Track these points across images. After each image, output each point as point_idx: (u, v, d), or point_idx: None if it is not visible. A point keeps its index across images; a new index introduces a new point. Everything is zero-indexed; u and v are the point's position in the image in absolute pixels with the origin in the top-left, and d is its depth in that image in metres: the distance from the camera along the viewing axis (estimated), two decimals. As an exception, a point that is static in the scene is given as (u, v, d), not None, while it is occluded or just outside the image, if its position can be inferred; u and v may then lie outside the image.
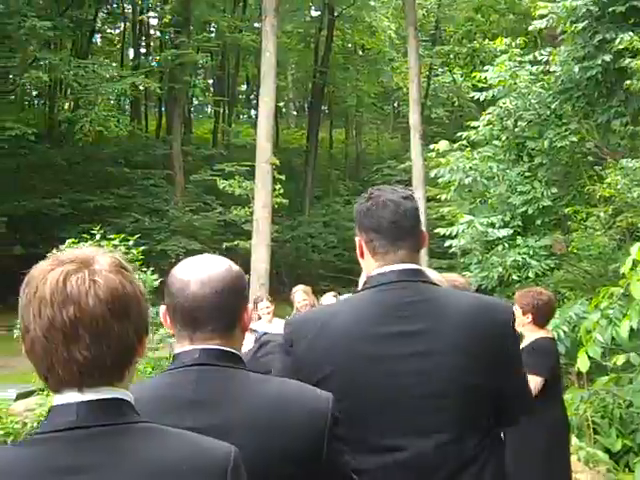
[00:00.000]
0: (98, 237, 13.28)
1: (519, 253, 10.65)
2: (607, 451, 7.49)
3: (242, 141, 33.47)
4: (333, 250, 32.81)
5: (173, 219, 26.40)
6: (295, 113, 51.96)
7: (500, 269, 10.52)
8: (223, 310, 1.96)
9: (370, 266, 2.49)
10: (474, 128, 12.10)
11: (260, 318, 9.46)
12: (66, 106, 34.24)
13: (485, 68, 11.92)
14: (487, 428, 2.37)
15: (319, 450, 1.88)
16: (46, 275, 1.45)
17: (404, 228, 2.46)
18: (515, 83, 11.14)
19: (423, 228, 2.59)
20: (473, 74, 11.99)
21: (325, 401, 1.95)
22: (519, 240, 11.06)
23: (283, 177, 20.61)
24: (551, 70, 11.24)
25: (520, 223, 11.25)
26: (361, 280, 2.72)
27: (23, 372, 14.67)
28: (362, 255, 2.53)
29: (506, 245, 10.99)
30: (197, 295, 1.93)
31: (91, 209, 26.65)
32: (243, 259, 24.34)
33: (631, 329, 6.60)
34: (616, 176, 9.59)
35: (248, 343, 6.19)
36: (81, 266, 1.46)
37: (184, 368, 1.92)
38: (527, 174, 11.40)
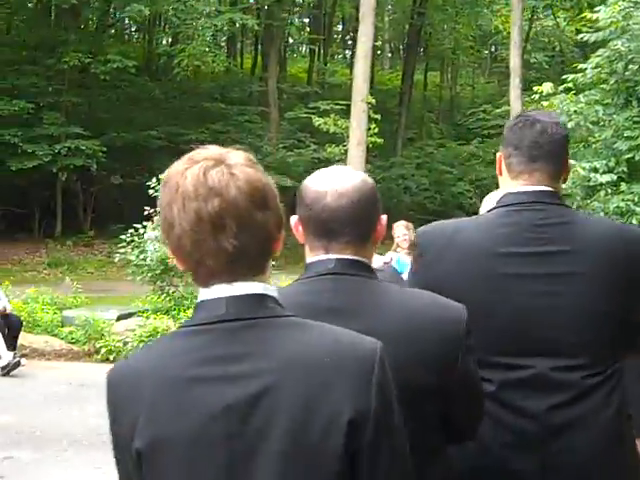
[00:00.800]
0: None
1: (623, 199, 10.42)
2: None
3: (337, 80, 33.23)
4: (425, 192, 32.41)
5: (267, 155, 26.38)
6: (390, 55, 51.27)
7: (602, 215, 10.29)
8: (359, 221, 1.95)
9: (505, 184, 2.48)
10: (581, 71, 11.77)
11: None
12: (164, 41, 34.58)
13: (596, 9, 11.51)
14: (612, 358, 2.32)
15: (455, 360, 1.90)
16: (185, 172, 1.51)
17: (544, 150, 2.39)
18: (628, 25, 10.77)
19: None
20: (582, 15, 11.59)
21: (459, 310, 1.96)
22: (623, 186, 10.81)
23: (378, 116, 20.50)
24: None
25: (625, 169, 10.98)
26: (494, 198, 2.70)
27: (123, 295, 15.35)
28: (500, 172, 2.51)
29: (609, 191, 10.77)
30: (333, 206, 1.91)
31: (187, 142, 26.88)
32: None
33: None
34: None
35: None
36: (217, 162, 1.51)
37: (319, 277, 1.93)
38: (636, 119, 11.06)
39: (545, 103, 11.83)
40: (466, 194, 32.50)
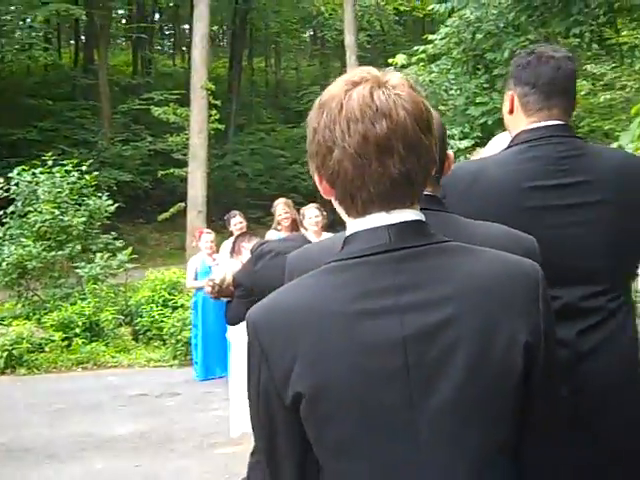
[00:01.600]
0: (50, 163, 12.97)
1: (480, 164, 10.76)
2: None
3: (165, 70, 32.60)
4: (260, 178, 32.60)
5: (102, 150, 25.69)
6: (211, 42, 50.93)
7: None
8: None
9: (519, 122, 2.49)
10: (430, 42, 12.08)
11: (232, 234, 9.45)
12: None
13: (442, -20, 11.81)
14: (626, 281, 2.45)
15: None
16: (348, 93, 1.42)
17: (561, 86, 2.45)
18: (475, -7, 11.13)
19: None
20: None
21: (533, 240, 1.95)
22: (478, 151, 11.16)
23: (219, 102, 20.30)
24: (511, -21, 11.22)
25: (480, 134, 11.34)
26: (503, 139, 2.70)
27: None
28: (511, 111, 2.52)
29: (468, 157, 11.10)
30: None
31: (13, 143, 25.69)
32: (177, 187, 24.13)
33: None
34: (582, 82, 9.72)
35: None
36: (380, 83, 1.43)
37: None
38: (485, 85, 11.49)
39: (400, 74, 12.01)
40: (300, 177, 32.90)
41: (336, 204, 1.51)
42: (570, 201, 2.33)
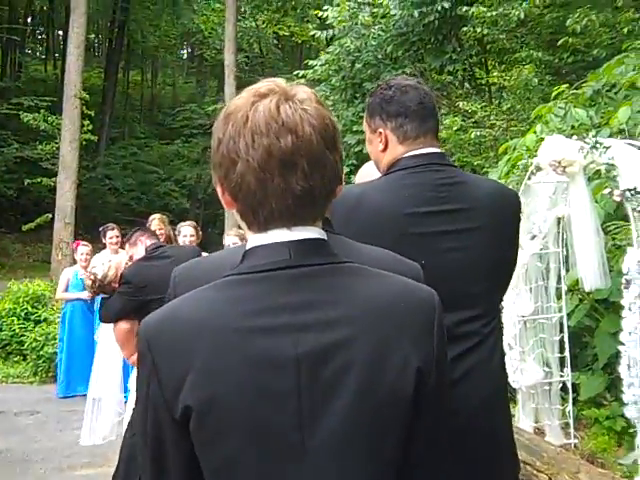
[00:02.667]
0: None
1: (353, 190, 10.97)
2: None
3: (37, 75, 31.58)
4: (131, 193, 31.98)
5: (-37, 155, 24.68)
6: (85, 52, 49.78)
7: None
8: None
9: (394, 154, 2.51)
10: (311, 67, 12.24)
11: (106, 247, 9.30)
12: None
13: (325, 8, 12.02)
14: (498, 305, 2.56)
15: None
16: (254, 105, 1.40)
17: (430, 109, 2.52)
18: (355, 24, 11.36)
19: None
20: (315, 12, 12.04)
21: (418, 266, 1.95)
22: (353, 178, 11.35)
23: (92, 113, 19.85)
24: (391, 13, 11.52)
25: (355, 162, 11.56)
26: (371, 168, 2.76)
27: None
28: (385, 147, 2.52)
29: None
30: None
31: None
32: (45, 197, 23.36)
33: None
34: (454, 118, 10.09)
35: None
36: (288, 96, 1.42)
37: None
38: (361, 114, 11.70)
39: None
40: (172, 194, 32.56)
41: (238, 217, 1.48)
42: (448, 227, 2.38)
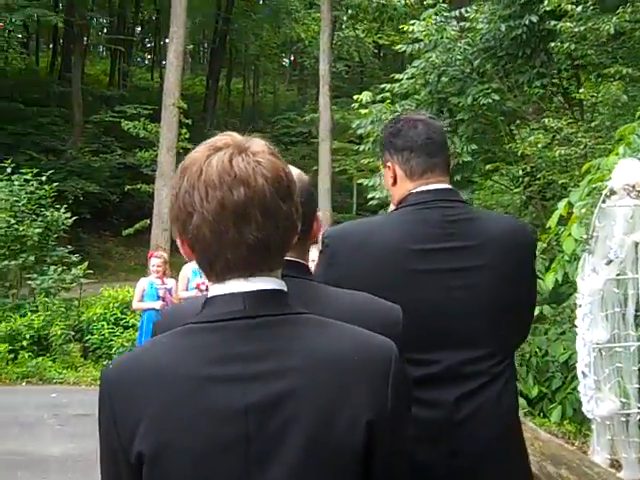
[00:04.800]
0: (9, 171, 12.87)
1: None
2: (525, 397, 7.87)
3: (141, 84, 32.60)
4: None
5: (71, 159, 25.54)
6: (190, 59, 51.03)
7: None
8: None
9: (404, 189, 2.50)
10: (398, 81, 12.19)
11: None
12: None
13: (412, 22, 11.97)
14: (511, 346, 2.51)
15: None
16: (209, 159, 1.44)
17: (438, 144, 2.50)
18: (441, 38, 11.27)
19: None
20: (402, 26, 12.00)
21: (397, 310, 1.95)
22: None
23: (190, 121, 20.32)
24: (477, 27, 11.39)
25: (439, 177, 11.42)
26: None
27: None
28: (395, 182, 2.53)
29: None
30: None
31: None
32: (145, 203, 24.02)
33: (555, 281, 6.93)
34: (539, 135, 9.90)
35: None
36: (241, 149, 1.45)
37: None
38: (447, 129, 11.59)
39: (364, 111, 12.13)
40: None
41: (197, 266, 1.53)
42: (455, 265, 2.36)
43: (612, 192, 6.08)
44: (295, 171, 1.93)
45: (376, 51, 38.51)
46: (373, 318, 1.87)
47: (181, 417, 1.40)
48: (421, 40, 11.51)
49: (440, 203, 2.42)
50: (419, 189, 2.46)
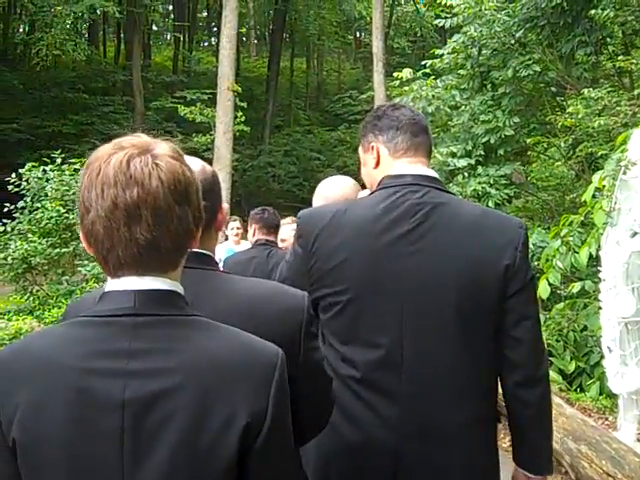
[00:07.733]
0: (59, 161, 13.13)
1: (479, 182, 10.69)
2: (561, 372, 7.73)
3: (203, 68, 32.93)
4: (293, 180, 32.65)
5: (132, 146, 25.95)
6: (256, 42, 51.20)
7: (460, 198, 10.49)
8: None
9: (386, 170, 2.50)
10: (439, 56, 12.02)
11: (227, 238, 9.45)
12: (21, 29, 33.37)
13: (452, -5, 11.72)
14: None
15: (296, 347, 1.87)
16: (109, 158, 1.47)
17: (421, 126, 2.52)
18: (480, 10, 11.04)
19: None
20: (437, 1, 11.79)
21: (301, 298, 1.95)
22: (480, 169, 11.08)
23: (245, 104, 20.44)
24: (517, -2, 11.13)
25: (482, 152, 11.21)
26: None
27: None
28: (377, 163, 2.52)
29: (466, 175, 11.03)
30: None
31: (49, 135, 26.23)
32: (204, 187, 24.12)
33: (590, 255, 6.77)
34: (578, 106, 9.63)
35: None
36: (143, 150, 1.48)
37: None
38: (490, 103, 11.38)
39: (406, 88, 12.01)
40: (333, 181, 32.80)
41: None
42: (417, 248, 2.32)
43: (632, 163, 5.92)
44: (198, 164, 1.95)
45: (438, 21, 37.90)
46: (274, 306, 1.90)
47: (57, 407, 1.43)
48: (459, 14, 11.28)
49: (414, 187, 2.40)
50: (395, 172, 2.45)
